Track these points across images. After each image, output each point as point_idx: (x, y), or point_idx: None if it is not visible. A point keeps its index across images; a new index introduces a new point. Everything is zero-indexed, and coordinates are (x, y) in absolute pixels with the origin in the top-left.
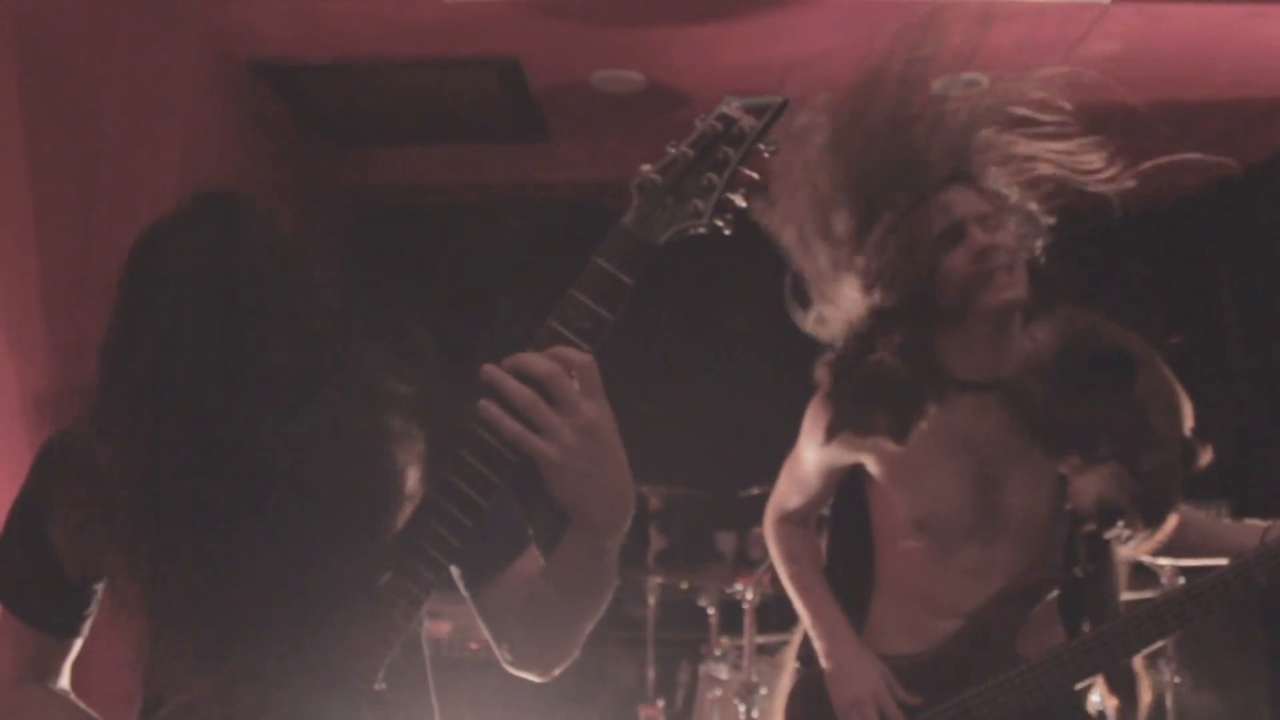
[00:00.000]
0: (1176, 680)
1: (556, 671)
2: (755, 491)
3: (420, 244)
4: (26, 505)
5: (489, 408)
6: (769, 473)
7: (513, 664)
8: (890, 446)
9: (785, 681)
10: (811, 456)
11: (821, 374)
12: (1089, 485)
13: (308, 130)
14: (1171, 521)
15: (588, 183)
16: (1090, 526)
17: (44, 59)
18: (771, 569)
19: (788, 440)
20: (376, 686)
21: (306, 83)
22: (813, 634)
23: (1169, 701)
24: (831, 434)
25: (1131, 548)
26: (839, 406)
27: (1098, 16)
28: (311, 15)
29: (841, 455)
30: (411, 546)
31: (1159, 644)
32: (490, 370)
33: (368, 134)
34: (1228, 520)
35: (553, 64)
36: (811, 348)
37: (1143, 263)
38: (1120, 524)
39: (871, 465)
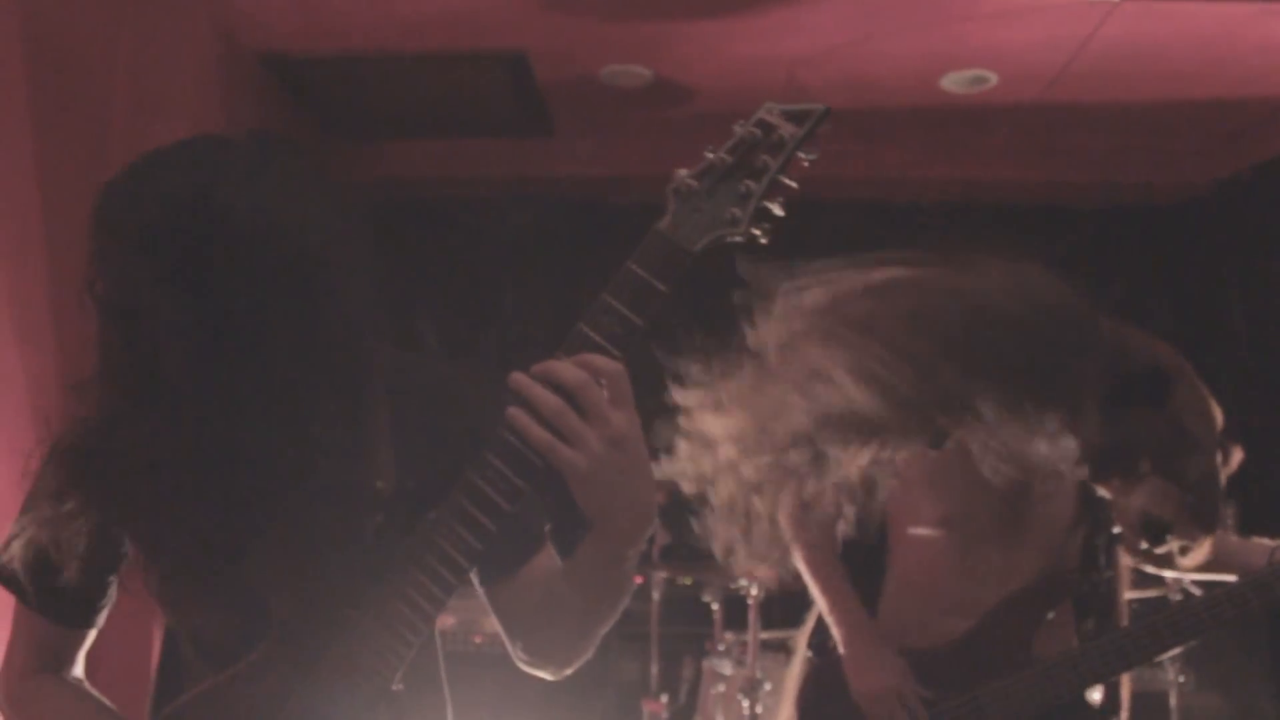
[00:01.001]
0: (1181, 680)
1: (569, 671)
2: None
3: (425, 238)
4: (40, 498)
5: (518, 415)
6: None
7: (526, 661)
8: (925, 451)
9: (796, 668)
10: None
11: None
12: (1133, 504)
13: (314, 124)
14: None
15: (594, 178)
16: (1143, 545)
17: (51, 53)
18: (774, 565)
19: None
20: (394, 687)
21: (313, 76)
22: (830, 621)
23: (1173, 701)
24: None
25: (1188, 560)
26: None
27: (1107, 13)
28: (318, 9)
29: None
30: (434, 548)
31: (1174, 651)
32: (519, 378)
33: (374, 128)
34: (1234, 537)
35: (560, 59)
36: None
37: (1147, 262)
38: (1170, 539)
39: (900, 463)
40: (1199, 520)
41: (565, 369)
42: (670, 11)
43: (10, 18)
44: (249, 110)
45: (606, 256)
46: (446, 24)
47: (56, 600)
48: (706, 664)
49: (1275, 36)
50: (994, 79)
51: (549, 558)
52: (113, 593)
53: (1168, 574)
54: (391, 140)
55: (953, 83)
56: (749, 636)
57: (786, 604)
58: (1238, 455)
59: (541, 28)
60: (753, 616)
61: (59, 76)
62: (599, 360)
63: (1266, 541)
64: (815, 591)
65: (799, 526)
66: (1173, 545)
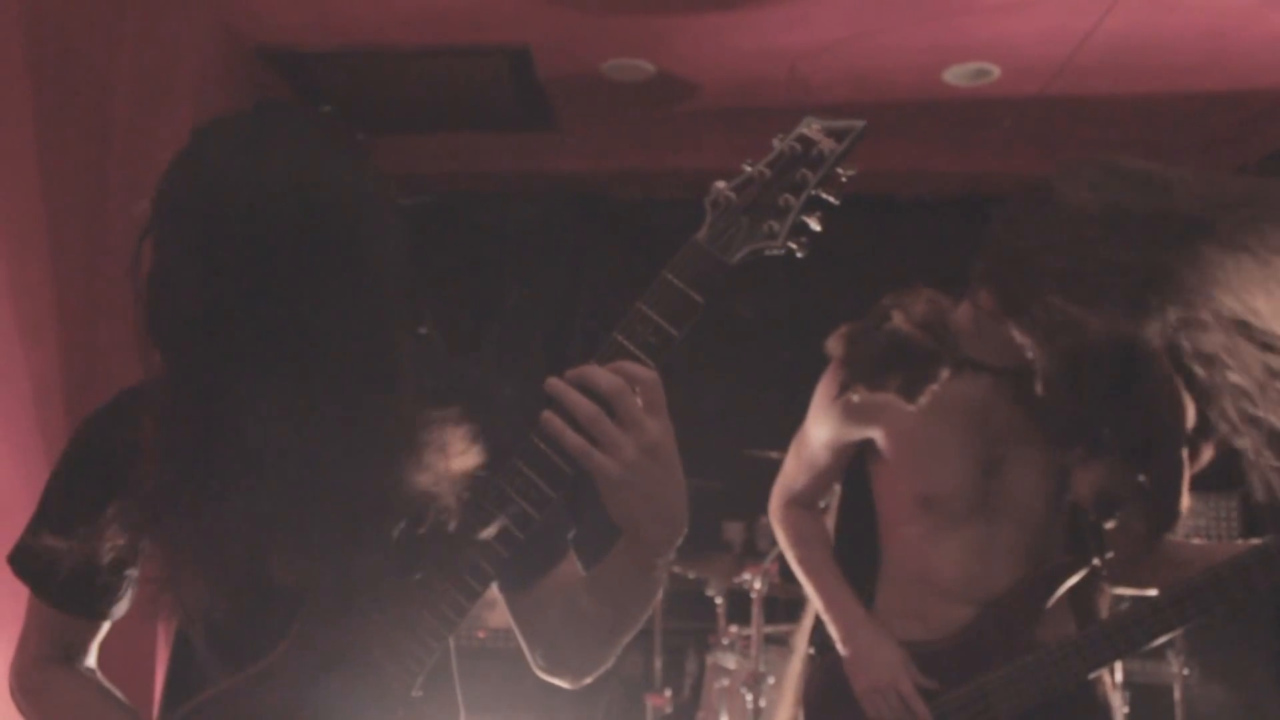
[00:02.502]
0: (1185, 672)
1: (587, 680)
2: (774, 455)
3: (427, 233)
4: (59, 487)
5: (552, 419)
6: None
7: (545, 670)
8: (901, 406)
9: (796, 665)
10: (820, 432)
11: (835, 344)
12: (1090, 477)
13: None
14: (1184, 509)
15: (596, 172)
16: (1090, 517)
17: (53, 48)
18: (779, 558)
19: (795, 429)
20: (414, 693)
21: (314, 70)
22: (826, 618)
23: (1177, 693)
24: (844, 389)
25: (1143, 545)
26: (852, 365)
27: (1110, 6)
28: (319, 2)
29: (850, 429)
30: (460, 554)
31: (1177, 631)
32: (555, 383)
33: (375, 122)
34: (1195, 541)
35: (562, 52)
36: (818, 338)
37: None
38: (1118, 516)
39: (880, 439)
40: (1154, 507)
41: (601, 375)
42: (672, 5)
43: (12, 13)
44: (250, 104)
45: (608, 250)
46: (448, 18)
47: (73, 592)
48: (710, 658)
49: None
50: (996, 72)
51: (572, 566)
52: (129, 585)
53: (1136, 590)
54: (393, 134)
55: (955, 76)
56: (753, 631)
57: (790, 598)
58: (1208, 453)
59: (543, 21)
60: (756, 611)
61: (60, 72)
62: (634, 367)
63: (1255, 542)
64: (809, 588)
65: (788, 522)
66: (1127, 524)
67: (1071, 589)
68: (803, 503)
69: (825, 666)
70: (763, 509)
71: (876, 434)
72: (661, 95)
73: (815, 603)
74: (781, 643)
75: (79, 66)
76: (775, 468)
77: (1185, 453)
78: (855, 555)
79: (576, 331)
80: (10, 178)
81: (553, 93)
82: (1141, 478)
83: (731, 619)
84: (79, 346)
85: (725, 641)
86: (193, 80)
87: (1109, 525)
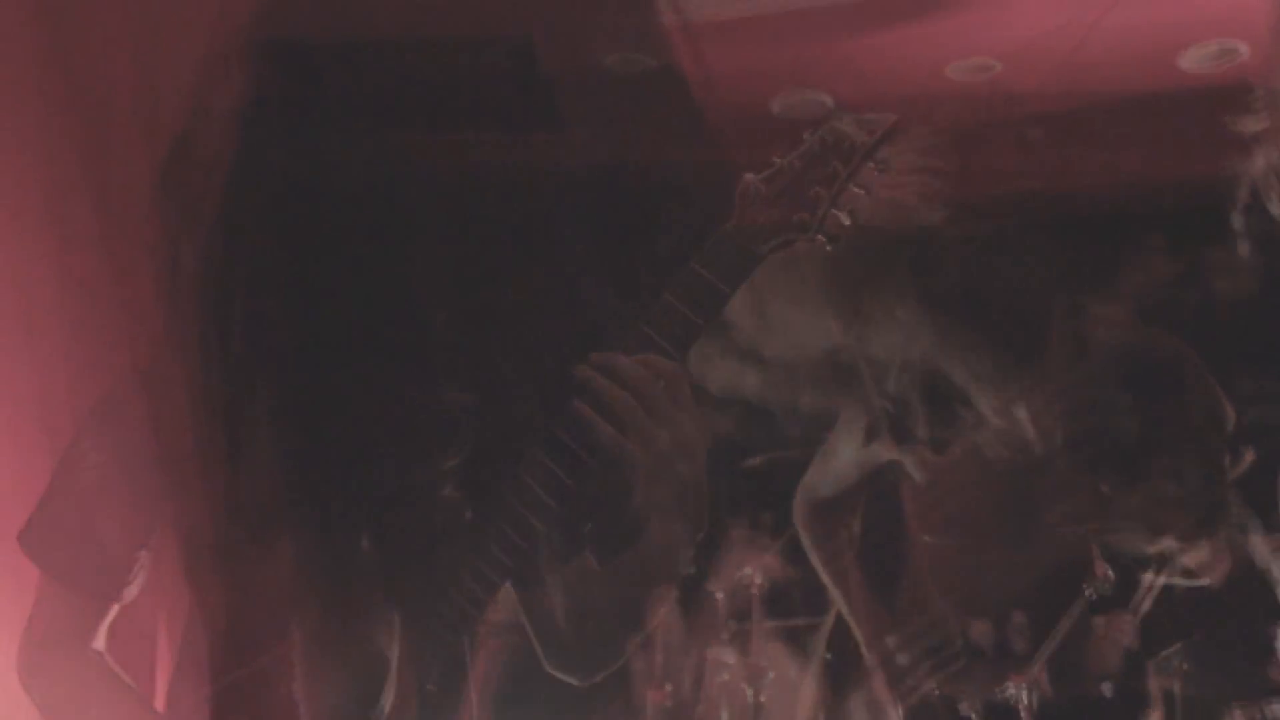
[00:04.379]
0: (1186, 668)
1: (597, 678)
2: (755, 462)
3: (429, 228)
4: (72, 467)
5: (583, 408)
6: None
7: (554, 666)
8: (929, 456)
9: (816, 670)
10: (848, 452)
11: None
12: (1131, 502)
13: (316, 112)
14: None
15: (599, 167)
16: (1138, 543)
17: (54, 44)
18: (780, 553)
19: (796, 424)
20: (429, 686)
21: (316, 64)
22: (850, 622)
23: (1178, 689)
24: (871, 437)
25: (1189, 559)
26: (876, 416)
27: (1113, 1)
28: None
29: (879, 454)
30: (480, 549)
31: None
32: (588, 371)
33: (377, 115)
34: (1258, 536)
35: (566, 46)
36: None
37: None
38: (1163, 541)
39: (909, 463)
40: (1198, 522)
41: (629, 365)
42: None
43: (14, 9)
44: (251, 98)
45: (612, 245)
46: (450, 10)
47: (83, 573)
48: (710, 653)
49: None
50: (998, 67)
51: (586, 562)
52: (140, 567)
53: (1192, 582)
54: (394, 127)
55: (957, 71)
56: (753, 625)
57: (791, 593)
58: (1249, 457)
59: (547, 14)
60: (756, 606)
61: (63, 67)
62: (660, 361)
63: None
64: (832, 591)
65: (813, 524)
66: (1169, 546)
67: (1093, 600)
68: (828, 507)
69: (845, 670)
70: (764, 504)
71: (906, 459)
72: (665, 90)
73: (838, 604)
74: (782, 638)
75: (80, 63)
76: (773, 466)
77: (1226, 459)
78: (880, 559)
79: (579, 327)
80: (12, 177)
81: (556, 87)
82: (1178, 493)
83: (732, 614)
84: (80, 343)
85: (725, 637)
86: (193, 75)
87: (1154, 550)
